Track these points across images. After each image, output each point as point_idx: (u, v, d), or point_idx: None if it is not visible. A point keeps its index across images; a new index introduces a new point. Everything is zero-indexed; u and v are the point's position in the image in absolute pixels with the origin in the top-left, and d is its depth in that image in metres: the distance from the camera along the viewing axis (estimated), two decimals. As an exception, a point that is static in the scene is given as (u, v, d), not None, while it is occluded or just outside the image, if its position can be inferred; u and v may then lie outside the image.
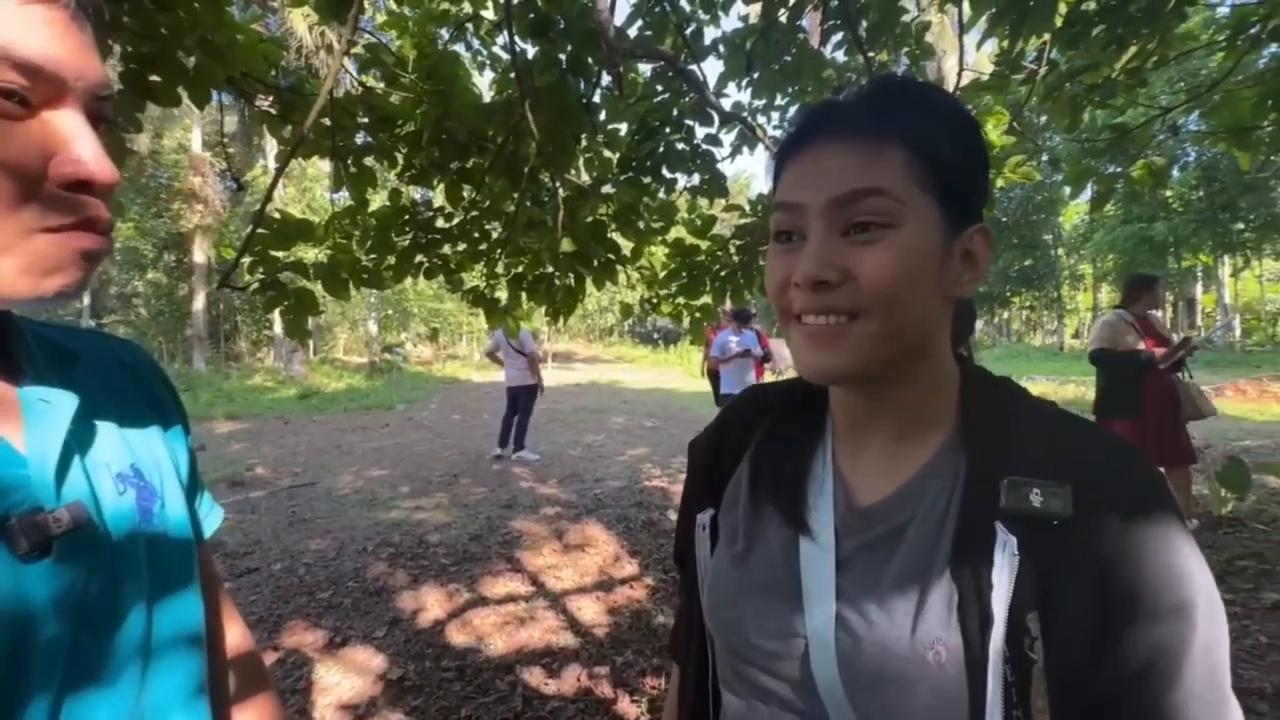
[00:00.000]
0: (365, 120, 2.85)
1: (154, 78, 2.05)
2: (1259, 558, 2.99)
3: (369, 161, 2.91)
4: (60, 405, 0.42)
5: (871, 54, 3.47)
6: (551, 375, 17.46)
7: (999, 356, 19.82)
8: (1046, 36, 2.69)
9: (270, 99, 2.72)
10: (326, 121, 2.61)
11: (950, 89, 2.85)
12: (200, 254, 16.18)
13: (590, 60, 2.86)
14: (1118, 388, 3.69)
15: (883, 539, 0.46)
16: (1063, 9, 2.64)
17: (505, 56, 3.10)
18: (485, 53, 3.54)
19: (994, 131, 2.60)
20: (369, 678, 2.24)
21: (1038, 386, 11.27)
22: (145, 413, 0.51)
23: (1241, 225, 17.97)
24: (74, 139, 0.36)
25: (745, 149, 3.36)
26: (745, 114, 3.77)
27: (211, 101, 2.30)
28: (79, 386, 0.44)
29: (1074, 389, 10.54)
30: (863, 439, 0.51)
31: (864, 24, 3.31)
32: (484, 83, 3.48)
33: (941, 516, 0.44)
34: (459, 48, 3.39)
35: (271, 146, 14.44)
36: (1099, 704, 0.39)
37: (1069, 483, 0.40)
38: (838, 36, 3.62)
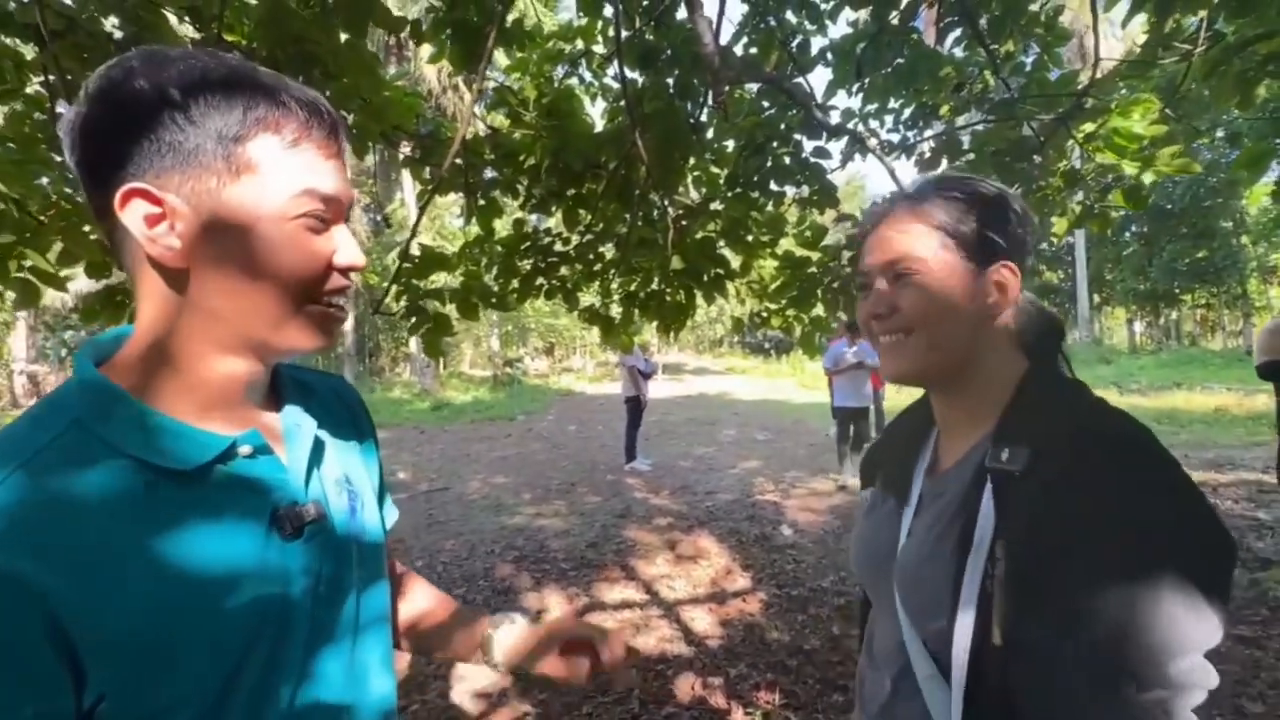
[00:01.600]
0: (492, 158, 3.13)
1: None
2: None
3: (496, 194, 3.19)
4: (306, 428, 0.56)
5: (995, 46, 3.27)
6: (661, 387, 17.77)
7: (1164, 362, 17.25)
8: (1203, 12, 2.40)
9: (413, 145, 3.06)
10: (459, 161, 2.91)
11: (1089, 72, 2.63)
12: (351, 280, 18.14)
13: (696, 83, 2.95)
14: None
15: (937, 496, 0.67)
16: (1224, -23, 2.36)
17: (616, 86, 3.26)
18: (597, 84, 3.73)
19: (1140, 122, 2.35)
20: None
21: (1216, 398, 9.78)
22: (352, 433, 0.65)
23: None
24: (348, 242, 0.52)
25: (857, 155, 3.26)
26: (857, 119, 3.68)
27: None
28: (314, 413, 0.58)
29: (1265, 400, 9.02)
30: (946, 429, 0.71)
31: (985, 17, 3.12)
32: (596, 112, 3.68)
33: (964, 478, 0.63)
34: (573, 81, 3.62)
35: (407, 180, 15.94)
36: (1047, 619, 0.53)
37: (1031, 447, 0.56)
38: (957, 32, 3.44)
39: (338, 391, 0.67)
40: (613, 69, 3.26)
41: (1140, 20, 2.67)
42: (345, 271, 0.51)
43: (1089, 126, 2.55)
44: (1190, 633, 0.51)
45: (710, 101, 2.99)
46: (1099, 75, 2.80)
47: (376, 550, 0.61)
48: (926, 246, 0.63)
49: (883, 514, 0.74)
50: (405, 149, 3.07)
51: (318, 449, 0.56)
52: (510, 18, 2.70)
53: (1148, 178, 2.57)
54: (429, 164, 3.07)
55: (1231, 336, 27.19)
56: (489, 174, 3.23)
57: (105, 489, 0.43)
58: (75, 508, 0.42)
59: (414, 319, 2.60)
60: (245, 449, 0.49)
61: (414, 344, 15.61)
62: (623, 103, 2.94)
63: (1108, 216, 2.75)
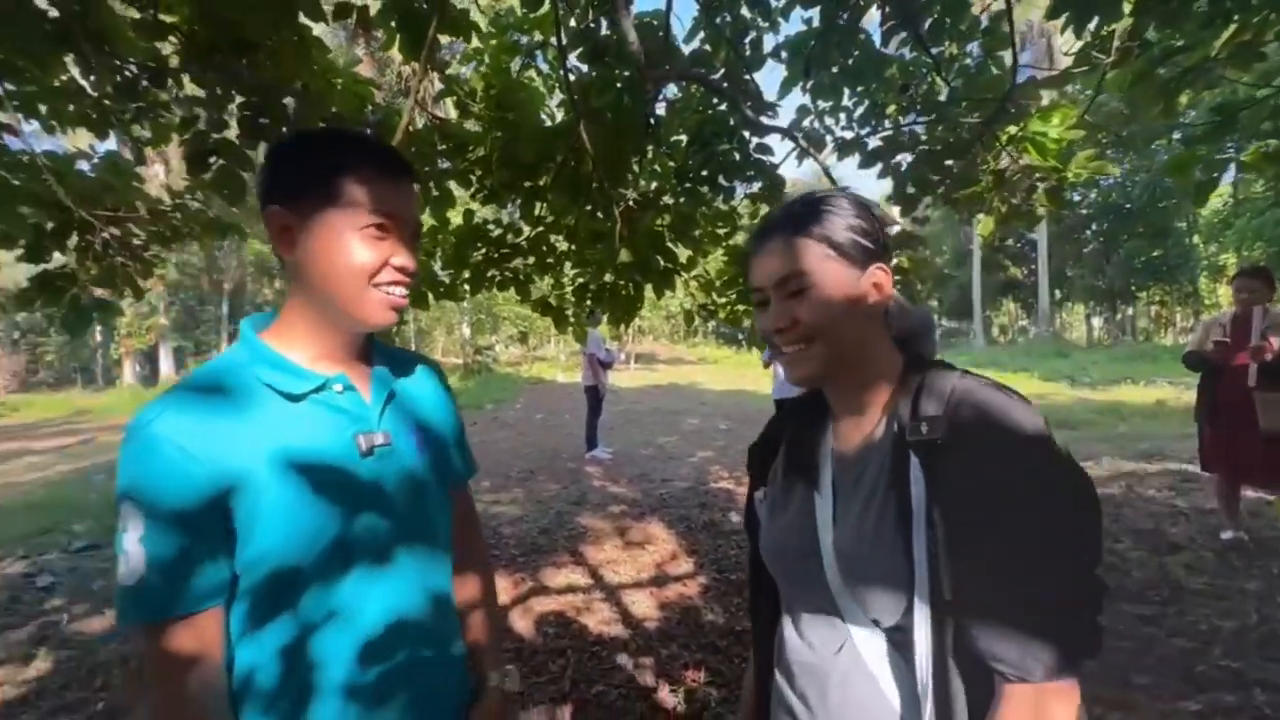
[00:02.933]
0: (443, 147, 3.13)
1: (263, 120, 2.39)
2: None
3: (448, 185, 3.20)
4: (386, 379, 0.80)
5: (939, 50, 3.37)
6: (631, 376, 17.85)
7: (1117, 357, 17.89)
8: (1123, 23, 2.52)
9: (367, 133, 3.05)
10: (411, 149, 2.91)
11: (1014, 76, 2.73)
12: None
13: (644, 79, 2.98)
14: (1199, 394, 3.45)
15: (855, 480, 0.70)
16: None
17: (572, 78, 3.27)
18: (555, 76, 3.73)
19: (1057, 127, 2.47)
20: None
21: (1160, 392, 10.22)
22: (429, 394, 0.87)
23: None
24: (402, 249, 0.72)
25: (799, 156, 3.34)
26: (812, 116, 3.76)
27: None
28: (396, 374, 0.82)
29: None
30: (844, 416, 0.75)
31: (927, 20, 3.21)
32: (555, 103, 3.69)
33: (882, 458, 0.67)
34: (531, 73, 3.63)
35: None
36: (975, 568, 0.58)
37: (946, 418, 0.62)
38: (902, 35, 3.52)
39: (422, 365, 0.90)
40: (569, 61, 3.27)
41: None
42: (399, 269, 0.72)
43: (1013, 129, 2.67)
44: (1084, 563, 0.58)
45: (672, 93, 3.02)
46: (1038, 78, 2.91)
47: (442, 484, 0.83)
48: (812, 259, 0.68)
49: (795, 509, 0.75)
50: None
51: (393, 397, 0.79)
52: (458, 6, 2.70)
53: (1071, 179, 2.70)
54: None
55: (1183, 333, 28.25)
56: (442, 165, 3.24)
57: (247, 400, 0.68)
58: (225, 403, 0.67)
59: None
60: (337, 386, 0.73)
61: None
62: (572, 97, 2.96)
63: (1033, 215, 2.88)
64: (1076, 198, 24.97)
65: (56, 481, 6.69)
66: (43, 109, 2.25)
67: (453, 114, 3.33)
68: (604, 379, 6.78)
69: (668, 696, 2.15)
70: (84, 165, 2.32)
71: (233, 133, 2.34)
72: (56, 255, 2.41)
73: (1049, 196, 2.74)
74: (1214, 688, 2.12)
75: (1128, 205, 23.16)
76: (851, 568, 0.67)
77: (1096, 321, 31.70)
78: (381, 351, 0.83)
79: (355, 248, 0.69)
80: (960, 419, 0.62)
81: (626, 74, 3.00)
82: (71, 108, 2.25)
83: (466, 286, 3.41)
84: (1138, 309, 30.35)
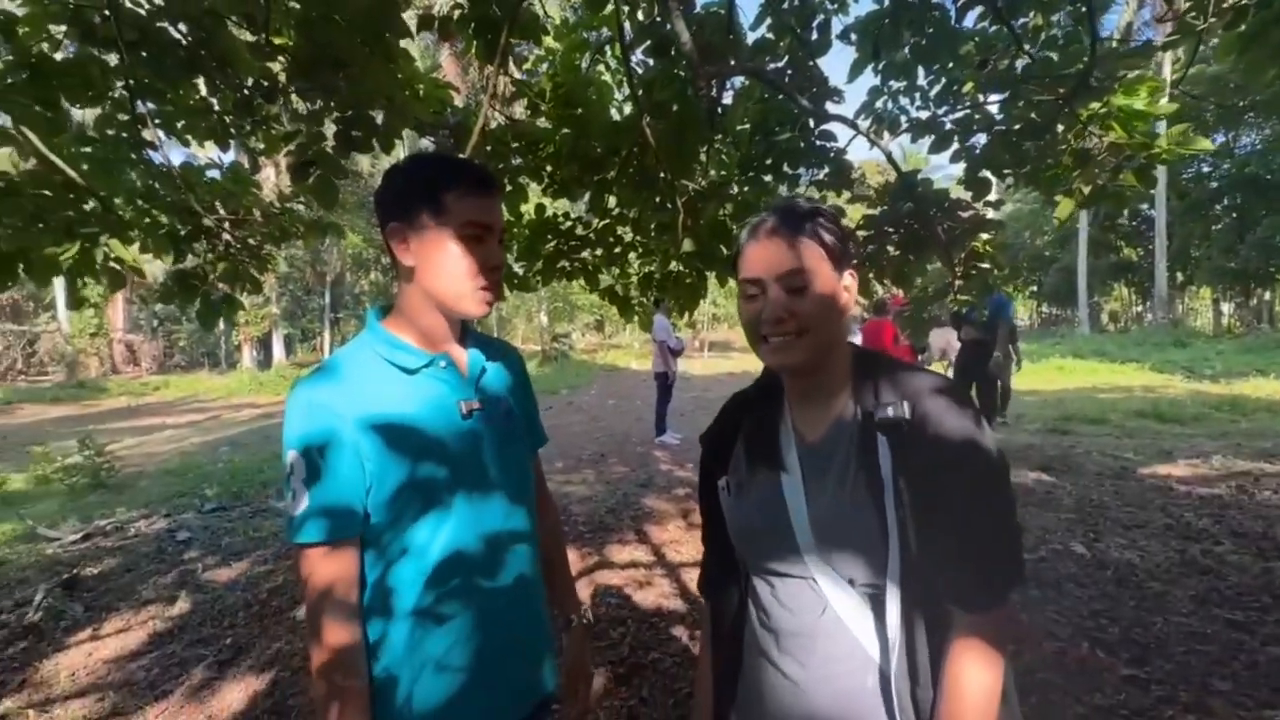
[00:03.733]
0: (516, 145, 3.32)
1: (355, 133, 2.65)
2: None
3: (521, 181, 3.39)
4: (478, 359, 0.96)
5: (1023, 20, 3.21)
6: (704, 364, 17.88)
7: (1248, 347, 15.80)
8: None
9: (447, 134, 3.28)
10: (488, 148, 3.11)
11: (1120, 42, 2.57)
12: (408, 257, 18.88)
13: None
14: None
15: (824, 459, 0.78)
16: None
17: (639, 73, 3.36)
18: (623, 71, 3.83)
19: (1143, 100, 2.31)
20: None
21: (1295, 385, 9.12)
22: (511, 374, 1.04)
23: None
24: (493, 252, 0.88)
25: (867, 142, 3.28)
26: (885, 97, 3.68)
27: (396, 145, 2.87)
28: (486, 355, 0.98)
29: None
30: (805, 404, 0.83)
31: (1005, -7, 3.05)
32: (623, 98, 3.79)
33: (850, 439, 0.76)
34: (600, 68, 3.75)
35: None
36: (935, 525, 0.69)
37: (908, 403, 0.72)
38: (979, 9, 3.36)
39: (505, 350, 1.08)
40: (634, 57, 3.36)
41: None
42: (492, 270, 0.88)
43: (1096, 105, 2.52)
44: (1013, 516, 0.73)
45: (712, 92, 3.06)
46: (1120, 50, 2.73)
47: (524, 448, 1.02)
48: (813, 260, 0.75)
49: (760, 490, 0.82)
50: (440, 139, 3.30)
51: (484, 373, 0.97)
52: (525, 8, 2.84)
53: (1162, 158, 2.51)
54: (459, 152, 3.28)
55: (1335, 319, 24.82)
56: (515, 161, 3.43)
57: (373, 372, 0.86)
58: (355, 376, 0.84)
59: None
60: (442, 363, 0.91)
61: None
62: (638, 92, 3.06)
63: (1121, 196, 2.70)
64: (1206, 169, 22.43)
65: (190, 452, 7.59)
66: (179, 125, 2.59)
67: (524, 113, 3.50)
68: (673, 365, 6.88)
69: (719, 667, 2.25)
70: (214, 174, 2.65)
71: (329, 144, 2.60)
72: (192, 256, 2.79)
73: (1137, 175, 2.57)
74: (1307, 700, 1.99)
75: (1268, 176, 20.56)
76: (828, 536, 0.75)
77: (1226, 307, 28.42)
78: (474, 336, 1.00)
79: (457, 254, 0.85)
80: (919, 404, 0.72)
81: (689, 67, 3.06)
82: (202, 125, 2.57)
83: (538, 277, 3.60)
84: (1276, 293, 26.96)
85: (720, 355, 21.21)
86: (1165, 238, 22.07)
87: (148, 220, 2.46)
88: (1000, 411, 6.69)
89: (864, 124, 3.46)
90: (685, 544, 3.50)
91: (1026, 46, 2.98)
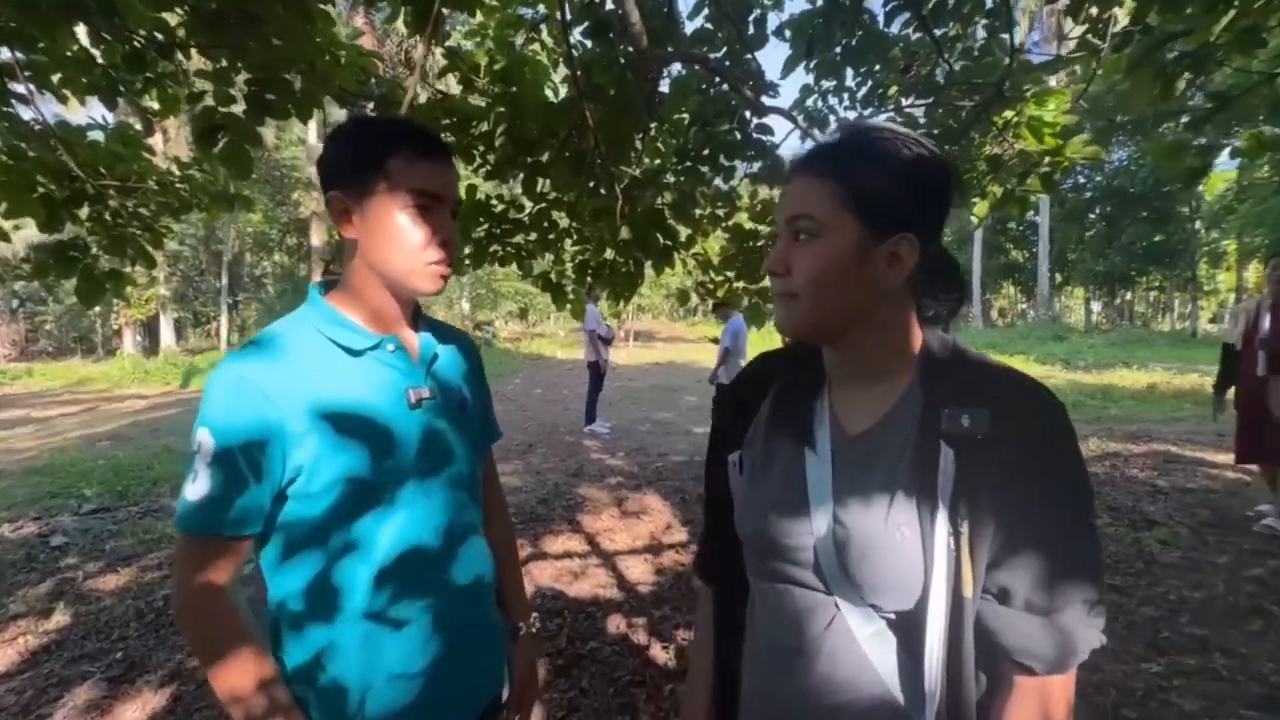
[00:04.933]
0: (446, 122, 3.16)
1: (270, 96, 2.43)
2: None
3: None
4: (430, 343, 0.89)
5: (944, 30, 3.38)
6: (629, 354, 17.93)
7: (1114, 341, 17.95)
8: (1117, 9, 2.55)
9: (370, 106, 3.07)
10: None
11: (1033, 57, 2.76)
12: (316, 238, 17.75)
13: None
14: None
15: (866, 458, 0.63)
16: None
17: (576, 54, 3.27)
18: (559, 51, 3.73)
19: (1051, 111, 2.51)
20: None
21: (1152, 376, 10.32)
22: (464, 364, 0.96)
23: None
24: (444, 225, 0.80)
25: (802, 136, 3.37)
26: (816, 95, 3.78)
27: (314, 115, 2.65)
28: (439, 341, 0.91)
29: (1196, 378, 9.57)
30: (846, 385, 0.68)
31: (930, 1, 3.22)
32: (559, 78, 3.69)
33: (906, 439, 0.61)
34: (535, 47, 3.63)
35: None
36: (1005, 564, 0.56)
37: (987, 408, 0.57)
38: (905, 16, 3.52)
39: (458, 338, 1.00)
40: (573, 37, 3.28)
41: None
42: (444, 244, 0.80)
43: (1009, 113, 2.71)
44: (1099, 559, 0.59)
45: (676, 71, 3.04)
46: (1034, 62, 2.94)
47: (477, 440, 0.94)
48: (826, 207, 0.60)
49: (781, 478, 0.68)
50: (362, 111, 3.08)
51: (435, 359, 0.89)
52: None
53: (1068, 164, 2.74)
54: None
55: (1180, 319, 28.31)
56: (445, 139, 3.26)
57: (313, 350, 0.78)
58: (294, 354, 0.76)
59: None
60: (390, 346, 0.83)
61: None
62: (575, 73, 2.98)
63: (1026, 200, 2.93)
64: (1082, 180, 24.79)
65: (63, 448, 6.80)
66: (54, 79, 2.28)
67: (456, 89, 3.34)
68: (605, 354, 6.86)
69: (659, 653, 2.27)
70: (96, 135, 2.36)
71: (239, 108, 2.37)
72: (71, 225, 2.47)
73: (1042, 181, 2.79)
74: (1176, 652, 2.25)
75: (1132, 189, 23.02)
76: (854, 548, 0.61)
77: (1095, 306, 31.70)
78: (425, 319, 0.92)
79: (404, 226, 0.77)
80: (1004, 413, 0.58)
81: (629, 51, 3.02)
82: (84, 79, 2.27)
83: (469, 261, 3.46)
84: (1136, 294, 30.36)
85: (644, 345, 21.37)
86: (1048, 242, 24.29)
87: (12, 178, 2.15)
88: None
89: (783, 126, 3.56)
90: (619, 533, 3.50)
91: (946, 55, 3.15)
